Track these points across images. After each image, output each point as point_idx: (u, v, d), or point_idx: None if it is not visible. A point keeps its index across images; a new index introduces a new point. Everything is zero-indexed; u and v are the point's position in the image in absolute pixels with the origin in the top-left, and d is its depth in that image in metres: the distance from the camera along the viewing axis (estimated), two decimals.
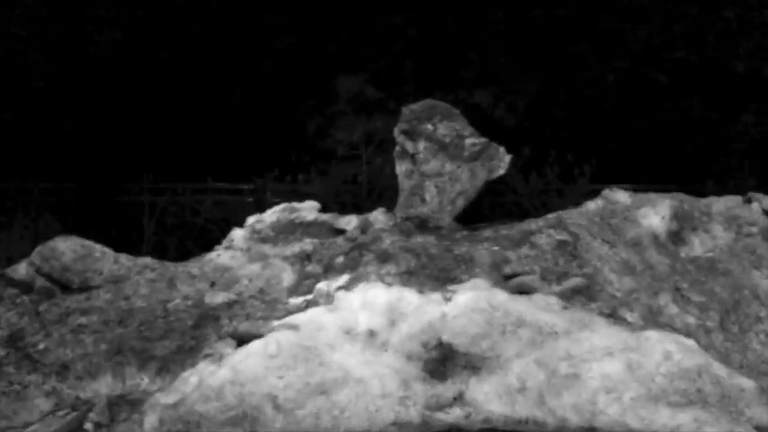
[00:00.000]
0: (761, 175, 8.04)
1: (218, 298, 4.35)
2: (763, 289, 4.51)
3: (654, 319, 4.12)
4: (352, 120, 9.92)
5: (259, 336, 3.85)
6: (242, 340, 3.93)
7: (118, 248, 4.82)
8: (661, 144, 9.62)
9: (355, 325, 3.90)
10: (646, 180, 7.63)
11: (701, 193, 5.89)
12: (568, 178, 8.35)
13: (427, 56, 10.94)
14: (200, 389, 3.50)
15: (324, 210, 5.30)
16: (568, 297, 4.21)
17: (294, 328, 3.86)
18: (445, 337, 3.84)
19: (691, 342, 3.81)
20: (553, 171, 8.33)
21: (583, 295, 4.23)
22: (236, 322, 4.16)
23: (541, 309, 4.05)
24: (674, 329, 4.04)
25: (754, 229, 4.93)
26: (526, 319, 3.95)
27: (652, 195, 5.10)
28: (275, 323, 3.98)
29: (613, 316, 4.08)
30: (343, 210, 6.11)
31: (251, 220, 5.18)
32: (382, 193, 8.34)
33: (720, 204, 5.13)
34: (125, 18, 10.26)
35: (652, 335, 3.83)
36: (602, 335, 3.85)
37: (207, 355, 3.85)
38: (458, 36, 10.84)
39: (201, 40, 10.66)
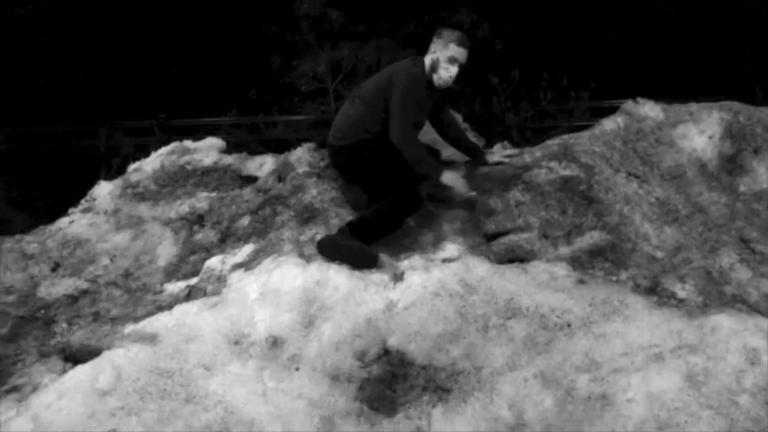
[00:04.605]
0: None
1: (58, 288, 2.89)
2: None
3: (717, 292, 2.68)
4: (316, 49, 8.61)
5: (98, 352, 2.42)
6: (76, 359, 2.50)
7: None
8: (680, 60, 8.04)
9: (250, 329, 2.45)
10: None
11: (751, 102, 4.37)
12: (564, 106, 7.37)
13: None
14: None
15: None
16: (584, 263, 2.76)
17: (151, 338, 2.41)
18: (393, 341, 2.41)
19: None
20: (546, 97, 7.07)
21: (606, 259, 2.78)
22: (77, 327, 2.71)
23: (544, 285, 2.61)
24: (750, 307, 2.61)
25: None
26: (521, 304, 2.51)
27: (693, 107, 3.60)
28: (128, 329, 2.53)
29: (656, 291, 2.64)
30: None
31: (130, 168, 3.66)
32: None
33: None
34: None
35: (721, 321, 2.40)
36: (643, 324, 2.42)
37: (13, 389, 2.41)
38: None
39: None
